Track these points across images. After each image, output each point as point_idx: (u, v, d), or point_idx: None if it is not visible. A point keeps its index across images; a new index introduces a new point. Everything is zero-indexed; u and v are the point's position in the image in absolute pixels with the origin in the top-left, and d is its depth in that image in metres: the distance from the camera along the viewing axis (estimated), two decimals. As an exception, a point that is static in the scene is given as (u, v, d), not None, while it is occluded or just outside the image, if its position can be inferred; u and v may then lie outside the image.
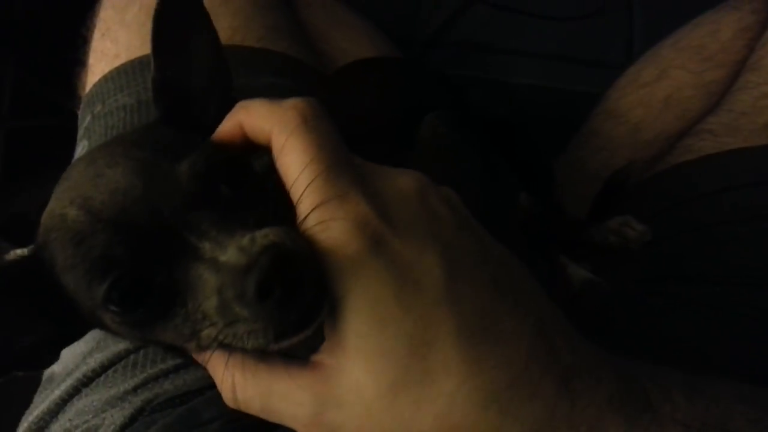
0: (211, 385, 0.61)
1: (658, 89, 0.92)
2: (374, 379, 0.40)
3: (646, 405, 0.43)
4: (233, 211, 0.44)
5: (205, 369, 0.48)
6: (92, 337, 0.70)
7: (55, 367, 0.73)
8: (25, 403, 0.73)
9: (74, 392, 0.67)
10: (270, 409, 0.43)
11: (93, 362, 0.67)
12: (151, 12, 0.85)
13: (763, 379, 0.62)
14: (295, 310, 0.39)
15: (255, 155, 0.48)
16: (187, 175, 0.44)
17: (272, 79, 0.84)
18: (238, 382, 0.44)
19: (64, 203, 0.45)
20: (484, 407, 0.40)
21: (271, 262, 0.38)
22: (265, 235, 0.40)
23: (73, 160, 0.51)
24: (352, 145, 0.60)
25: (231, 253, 0.40)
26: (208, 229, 0.42)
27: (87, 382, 0.67)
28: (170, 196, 0.43)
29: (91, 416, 0.64)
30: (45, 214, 0.47)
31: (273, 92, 0.83)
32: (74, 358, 0.71)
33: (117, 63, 0.84)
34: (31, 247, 0.47)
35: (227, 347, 0.42)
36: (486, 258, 0.43)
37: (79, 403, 0.66)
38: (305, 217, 0.41)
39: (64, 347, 0.50)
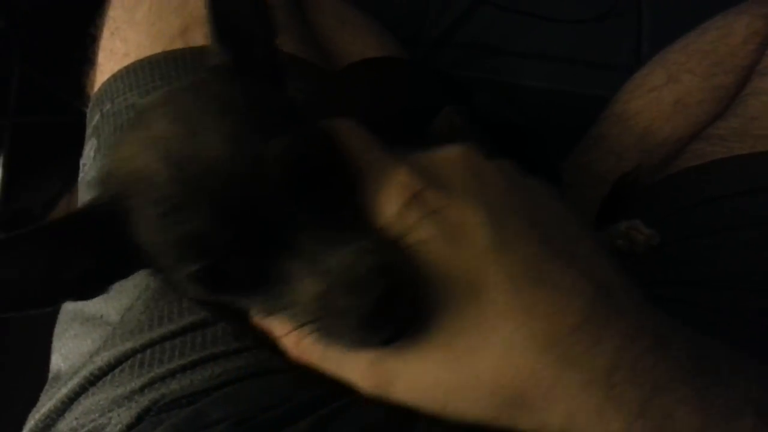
0: (219, 386, 0.62)
1: (667, 93, 0.91)
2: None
3: (718, 378, 0.41)
4: (329, 205, 0.44)
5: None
6: (99, 335, 0.70)
7: (62, 366, 0.74)
8: (32, 402, 0.73)
9: (81, 391, 0.67)
10: (331, 355, 0.46)
11: (100, 361, 0.67)
12: (161, 13, 0.85)
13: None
14: (391, 329, 0.41)
15: None
16: (289, 159, 0.42)
17: (281, 80, 0.84)
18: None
19: (151, 156, 0.43)
20: (544, 351, 0.40)
21: (382, 294, 0.39)
22: (371, 252, 0.41)
23: (148, 102, 0.48)
24: None
25: (335, 263, 0.41)
26: (307, 224, 0.42)
27: (94, 380, 0.67)
28: (271, 180, 0.42)
29: (97, 415, 0.64)
30: (119, 160, 0.45)
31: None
32: (81, 356, 0.71)
33: (126, 62, 0.84)
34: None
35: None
36: (535, 219, 0.44)
37: (85, 402, 0.66)
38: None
39: (113, 282, 0.49)
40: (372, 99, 0.78)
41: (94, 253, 0.46)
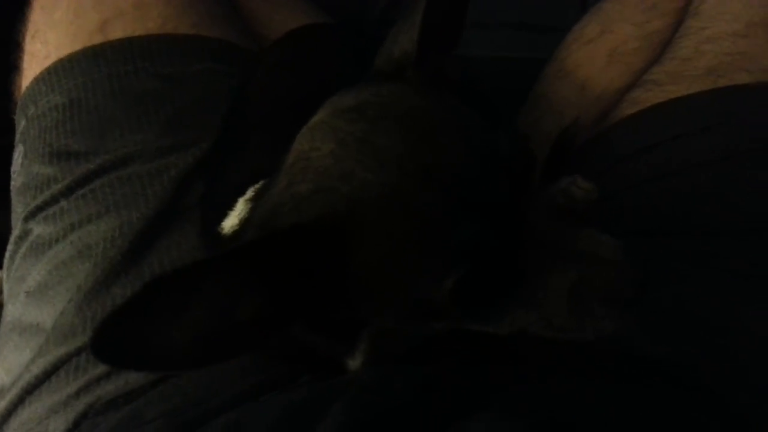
0: (153, 383, 0.60)
1: (602, 44, 0.89)
2: None
3: None
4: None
5: None
6: (37, 344, 0.68)
7: (6, 379, 0.71)
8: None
9: (19, 402, 0.65)
10: None
11: (36, 369, 0.65)
12: (78, 10, 0.83)
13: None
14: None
15: None
16: (520, 159, 0.45)
17: (208, 64, 0.82)
18: None
19: (392, 170, 0.40)
20: None
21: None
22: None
23: (318, 122, 0.47)
24: None
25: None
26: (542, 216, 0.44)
27: (31, 390, 0.65)
28: (503, 180, 0.42)
29: (35, 425, 0.62)
30: (339, 177, 0.41)
31: (209, 78, 0.81)
32: (21, 367, 0.69)
33: (47, 63, 0.82)
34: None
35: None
36: None
37: (23, 413, 0.64)
38: None
39: (288, 327, 0.45)
40: (296, 72, 0.76)
41: (274, 287, 0.41)
